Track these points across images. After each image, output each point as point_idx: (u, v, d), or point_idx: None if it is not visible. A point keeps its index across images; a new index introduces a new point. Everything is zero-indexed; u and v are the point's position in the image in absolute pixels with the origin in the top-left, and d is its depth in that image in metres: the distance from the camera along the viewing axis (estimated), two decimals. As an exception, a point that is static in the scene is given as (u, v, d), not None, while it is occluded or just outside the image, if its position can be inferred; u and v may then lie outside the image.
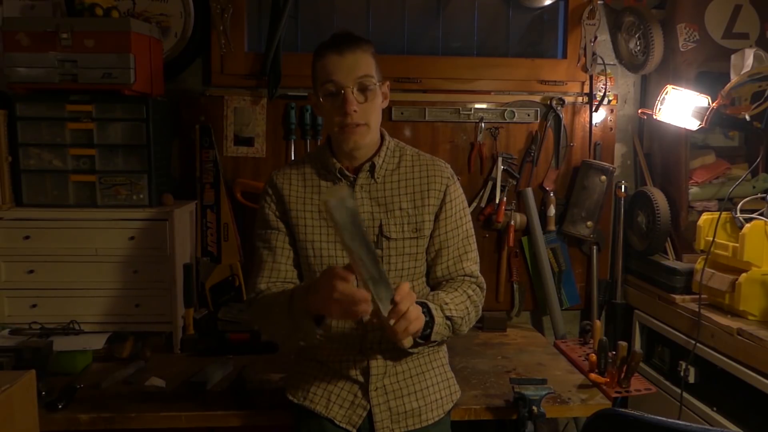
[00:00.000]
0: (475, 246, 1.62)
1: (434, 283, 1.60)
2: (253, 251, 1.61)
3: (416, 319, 1.31)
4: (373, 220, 1.52)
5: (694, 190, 2.30)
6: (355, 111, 1.44)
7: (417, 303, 1.42)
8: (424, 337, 1.41)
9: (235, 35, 2.35)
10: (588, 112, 2.47)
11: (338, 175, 1.54)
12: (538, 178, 2.48)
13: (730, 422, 1.86)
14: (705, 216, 2.10)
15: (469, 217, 1.62)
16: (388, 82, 1.55)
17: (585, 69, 2.45)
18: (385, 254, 1.51)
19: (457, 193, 1.59)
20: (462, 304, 1.50)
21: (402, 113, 2.40)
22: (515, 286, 2.49)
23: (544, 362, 2.05)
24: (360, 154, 1.53)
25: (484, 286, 1.61)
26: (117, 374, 1.83)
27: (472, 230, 1.62)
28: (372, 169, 1.53)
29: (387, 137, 1.59)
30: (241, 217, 2.36)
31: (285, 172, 1.59)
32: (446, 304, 1.47)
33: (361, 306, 1.25)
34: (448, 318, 1.46)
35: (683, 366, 2.06)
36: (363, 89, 1.46)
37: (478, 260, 1.62)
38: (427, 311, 1.41)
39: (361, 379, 1.53)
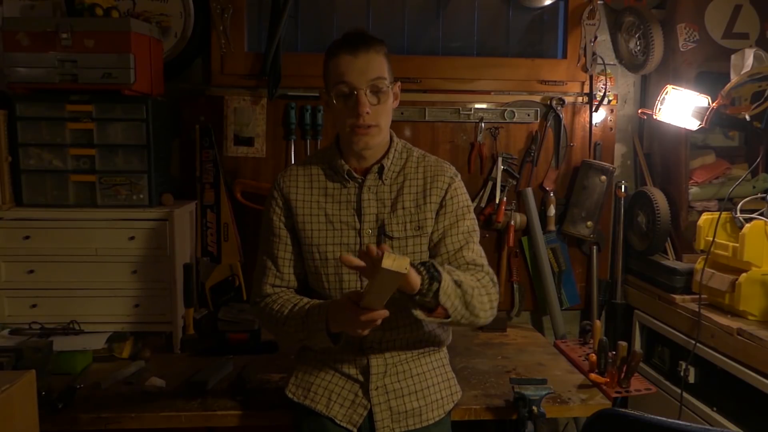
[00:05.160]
0: (477, 242, 1.56)
1: None
2: (259, 253, 1.62)
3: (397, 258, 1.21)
4: (377, 220, 1.53)
5: (694, 190, 2.29)
6: (367, 113, 1.45)
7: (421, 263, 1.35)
8: (434, 297, 1.31)
9: (235, 35, 2.35)
10: (588, 112, 2.47)
11: (346, 177, 1.54)
12: (538, 178, 2.48)
13: (730, 422, 1.86)
14: (705, 216, 2.10)
15: (473, 216, 1.59)
16: (399, 83, 1.56)
17: (585, 69, 2.45)
18: None
19: (459, 191, 1.57)
20: (470, 279, 1.43)
21: (402, 113, 2.40)
22: (515, 286, 2.50)
23: (544, 362, 2.04)
24: (369, 154, 1.54)
25: (495, 279, 1.51)
26: (117, 374, 1.83)
27: (476, 228, 1.58)
28: (381, 171, 1.54)
29: (395, 138, 1.59)
30: (241, 217, 2.36)
31: (292, 173, 1.59)
32: (453, 271, 1.39)
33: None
34: (456, 283, 1.36)
35: (683, 366, 2.06)
36: (376, 91, 1.47)
37: (484, 255, 1.55)
38: (432, 267, 1.32)
39: (361, 378, 1.53)
